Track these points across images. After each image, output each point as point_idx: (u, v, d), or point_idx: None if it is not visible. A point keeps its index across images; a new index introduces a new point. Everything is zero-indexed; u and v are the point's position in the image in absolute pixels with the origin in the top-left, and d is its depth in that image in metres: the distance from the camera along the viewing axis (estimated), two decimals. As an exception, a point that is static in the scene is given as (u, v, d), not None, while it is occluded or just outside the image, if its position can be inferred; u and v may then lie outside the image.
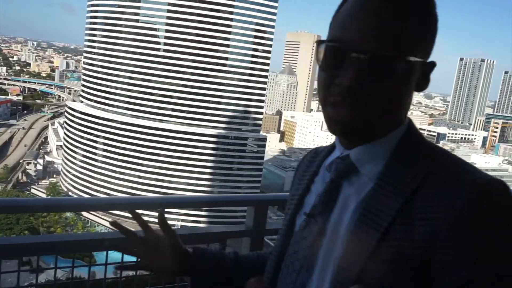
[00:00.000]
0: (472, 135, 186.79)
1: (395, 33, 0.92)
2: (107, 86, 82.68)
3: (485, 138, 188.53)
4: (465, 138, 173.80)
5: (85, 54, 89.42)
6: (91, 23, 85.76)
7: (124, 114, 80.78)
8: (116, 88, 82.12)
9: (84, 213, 67.62)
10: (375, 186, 0.95)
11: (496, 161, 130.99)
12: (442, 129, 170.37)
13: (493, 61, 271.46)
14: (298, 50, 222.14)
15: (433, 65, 0.98)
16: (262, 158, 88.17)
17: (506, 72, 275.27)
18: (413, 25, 0.93)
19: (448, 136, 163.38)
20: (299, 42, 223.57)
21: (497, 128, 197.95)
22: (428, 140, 1.00)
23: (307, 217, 1.06)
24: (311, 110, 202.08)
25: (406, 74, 0.94)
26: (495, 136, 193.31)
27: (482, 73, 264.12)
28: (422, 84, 0.99)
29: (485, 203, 0.84)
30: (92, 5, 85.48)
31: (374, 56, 0.90)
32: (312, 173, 1.15)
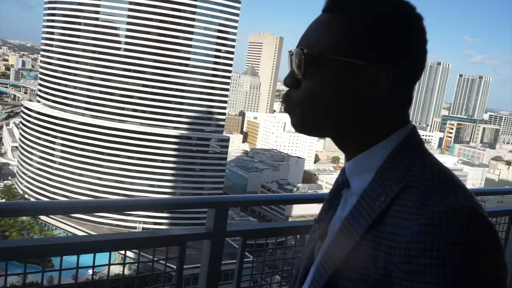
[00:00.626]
0: (429, 136, 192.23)
1: (322, 33, 0.95)
2: (66, 85, 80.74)
3: (441, 139, 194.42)
4: (423, 139, 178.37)
5: (42, 53, 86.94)
6: (48, 20, 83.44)
7: (83, 114, 79.14)
8: (75, 87, 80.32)
9: (42, 217, 65.73)
10: (356, 202, 0.95)
11: (451, 161, 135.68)
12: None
13: (449, 64, 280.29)
14: (261, 51, 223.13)
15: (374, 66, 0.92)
16: (225, 159, 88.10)
17: (460, 75, 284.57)
18: (341, 27, 0.93)
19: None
20: (261, 43, 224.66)
21: (452, 129, 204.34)
22: (423, 152, 0.95)
23: (315, 223, 1.13)
24: (274, 111, 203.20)
25: (330, 72, 0.92)
26: (450, 137, 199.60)
27: (438, 75, 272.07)
28: (379, 87, 0.93)
29: (438, 235, 0.79)
30: (50, 2, 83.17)
31: (295, 52, 0.95)
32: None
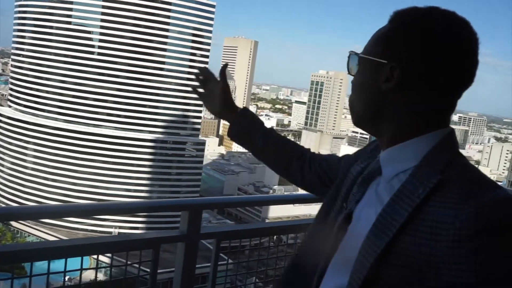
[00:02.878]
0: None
1: (371, 41, 1.17)
2: (38, 90, 79.26)
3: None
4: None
5: (13, 57, 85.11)
6: (19, 24, 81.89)
7: (56, 119, 77.77)
8: (47, 92, 78.88)
9: (14, 223, 64.32)
10: (393, 196, 1.03)
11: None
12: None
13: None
14: (235, 55, 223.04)
15: (394, 66, 1.09)
16: (201, 162, 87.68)
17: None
18: (381, 34, 1.15)
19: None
20: (236, 47, 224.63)
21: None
22: (459, 154, 1.07)
23: (341, 202, 1.25)
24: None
25: (366, 70, 1.15)
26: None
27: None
28: (393, 83, 1.09)
29: (487, 220, 0.87)
30: (20, 5, 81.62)
31: (350, 55, 1.19)
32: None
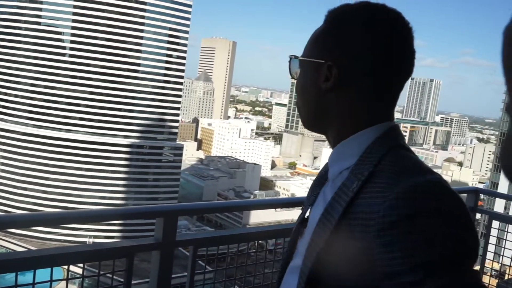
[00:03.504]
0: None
1: (308, 42, 1.17)
2: (6, 94, 76.30)
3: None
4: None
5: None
6: (-15, 25, 78.49)
7: (26, 124, 74.84)
8: (16, 96, 75.90)
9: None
10: (334, 194, 1.04)
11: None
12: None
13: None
14: (213, 56, 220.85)
15: (330, 64, 1.08)
16: (179, 167, 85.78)
17: (412, 79, 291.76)
18: (316, 35, 1.15)
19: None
20: (214, 48, 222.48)
21: (406, 132, 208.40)
22: (400, 146, 1.05)
23: (301, 209, 1.28)
24: (229, 117, 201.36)
25: (306, 72, 1.14)
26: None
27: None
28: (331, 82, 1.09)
29: (409, 207, 0.88)
30: (-13, 6, 78.21)
31: (290, 59, 1.19)
32: None
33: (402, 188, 0.90)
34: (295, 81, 1.18)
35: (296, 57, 1.17)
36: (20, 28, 76.12)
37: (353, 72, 1.07)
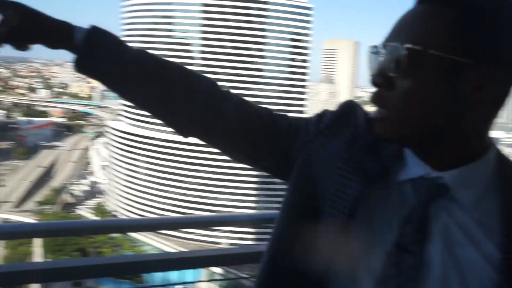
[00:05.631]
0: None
1: (423, 27, 0.81)
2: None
3: None
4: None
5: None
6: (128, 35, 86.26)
7: (165, 131, 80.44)
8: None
9: (131, 233, 67.64)
10: (477, 217, 0.86)
11: None
12: (497, 133, 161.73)
13: None
14: (336, 57, 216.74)
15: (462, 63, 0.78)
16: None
17: None
18: (433, 20, 0.81)
19: (503, 141, 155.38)
20: (337, 49, 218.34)
21: None
22: None
23: (397, 249, 0.87)
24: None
25: (434, 71, 0.80)
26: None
27: None
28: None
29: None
30: (128, 23, 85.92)
31: (392, 47, 0.82)
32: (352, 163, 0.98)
33: None
34: (401, 80, 0.90)
35: (417, 47, 0.81)
36: (154, 43, 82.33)
37: (500, 70, 0.80)
